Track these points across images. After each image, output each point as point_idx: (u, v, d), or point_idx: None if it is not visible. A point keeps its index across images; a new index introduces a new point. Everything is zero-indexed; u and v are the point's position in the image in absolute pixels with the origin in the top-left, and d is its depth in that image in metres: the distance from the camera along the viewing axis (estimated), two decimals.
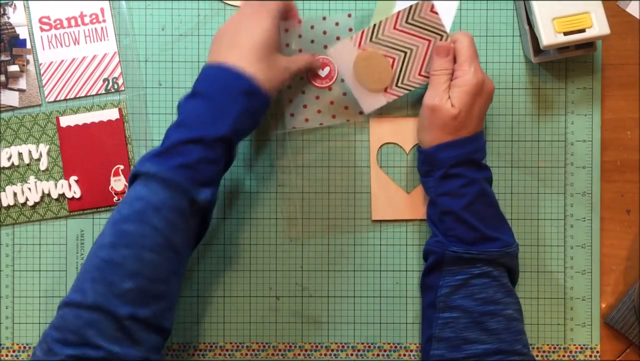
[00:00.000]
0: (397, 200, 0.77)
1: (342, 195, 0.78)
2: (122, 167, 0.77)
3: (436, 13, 0.70)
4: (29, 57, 0.77)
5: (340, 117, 0.77)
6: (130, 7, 0.78)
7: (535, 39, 0.74)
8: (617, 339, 0.78)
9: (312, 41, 0.75)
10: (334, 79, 0.76)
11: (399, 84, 0.74)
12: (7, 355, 0.77)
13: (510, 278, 0.69)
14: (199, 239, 0.67)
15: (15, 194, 0.77)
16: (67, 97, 0.77)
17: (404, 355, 0.77)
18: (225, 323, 0.78)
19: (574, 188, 0.78)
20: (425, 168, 0.71)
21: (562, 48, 0.73)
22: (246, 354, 0.77)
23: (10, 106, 0.77)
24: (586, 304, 0.78)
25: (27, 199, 0.77)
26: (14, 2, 0.77)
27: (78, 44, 0.77)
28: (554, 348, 0.77)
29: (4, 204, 0.77)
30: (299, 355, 0.77)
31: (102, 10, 0.77)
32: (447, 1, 0.71)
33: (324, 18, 0.76)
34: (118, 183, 0.77)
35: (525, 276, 0.77)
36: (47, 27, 0.77)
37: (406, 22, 0.71)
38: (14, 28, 0.77)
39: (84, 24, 0.77)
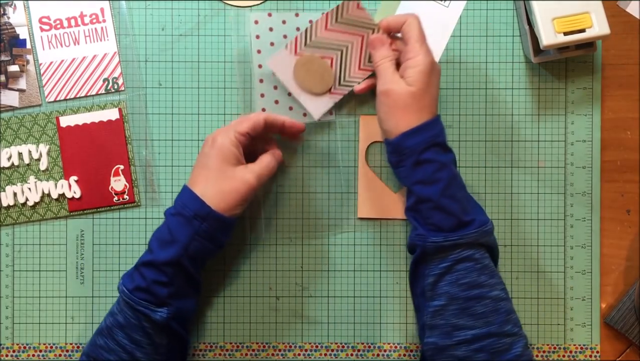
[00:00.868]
0: (383, 198, 0.77)
1: (342, 195, 0.78)
2: (122, 167, 0.77)
3: (363, 9, 0.72)
4: (29, 57, 0.77)
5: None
6: (130, 7, 0.78)
7: (535, 39, 0.74)
8: (617, 339, 0.78)
9: (285, 36, 0.76)
10: None
11: (342, 82, 0.75)
12: (7, 355, 0.77)
13: (491, 257, 0.69)
14: (182, 347, 0.71)
15: (15, 194, 0.77)
16: (67, 97, 0.77)
17: (404, 355, 0.77)
18: (225, 323, 0.78)
19: (574, 188, 0.78)
20: (396, 159, 0.70)
21: (562, 48, 0.73)
22: (246, 354, 0.77)
23: (10, 106, 0.77)
24: (586, 304, 0.78)
25: (27, 199, 0.77)
26: (14, 2, 0.77)
27: (78, 44, 0.77)
28: (554, 348, 0.77)
29: (4, 204, 0.77)
30: (299, 355, 0.77)
31: (102, 10, 0.77)
32: (456, 1, 0.71)
33: (297, 14, 0.76)
34: (118, 183, 0.77)
35: (525, 277, 0.77)
36: (47, 27, 0.77)
37: (336, 21, 0.73)
38: (14, 28, 0.77)
39: (84, 24, 0.77)
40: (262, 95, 0.76)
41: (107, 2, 0.77)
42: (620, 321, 0.76)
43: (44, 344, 0.77)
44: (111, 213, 0.77)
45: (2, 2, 0.77)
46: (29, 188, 0.77)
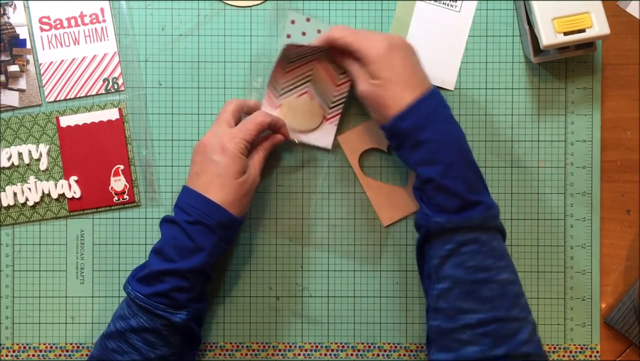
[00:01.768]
0: (396, 198, 0.77)
1: (342, 195, 0.78)
2: (122, 167, 0.77)
3: (300, 45, 0.71)
4: (29, 57, 0.77)
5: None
6: (130, 7, 0.78)
7: (535, 39, 0.74)
8: (617, 339, 0.78)
9: (288, 36, 0.76)
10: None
11: (331, 105, 0.76)
12: (7, 355, 0.77)
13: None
14: (193, 344, 0.72)
15: (15, 194, 0.77)
16: (67, 97, 0.77)
17: (404, 355, 0.77)
18: (225, 323, 0.78)
19: (574, 188, 0.78)
20: (395, 143, 0.69)
21: (562, 48, 0.73)
22: (246, 354, 0.77)
23: (10, 106, 0.77)
24: (586, 304, 0.78)
25: (27, 199, 0.77)
26: (14, 2, 0.77)
27: (78, 44, 0.77)
28: (554, 348, 0.77)
29: (4, 204, 0.77)
30: (299, 355, 0.77)
31: (102, 10, 0.77)
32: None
33: (308, 19, 0.76)
34: (118, 183, 0.77)
35: (525, 276, 0.77)
36: (47, 27, 0.77)
37: (289, 63, 0.74)
38: (14, 28, 0.77)
39: (84, 24, 0.77)
40: None
41: (107, 2, 0.77)
42: (620, 321, 0.76)
43: (44, 344, 0.77)
44: (111, 213, 0.77)
45: (2, 2, 0.77)
46: (29, 188, 0.77)
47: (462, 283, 0.64)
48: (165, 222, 0.69)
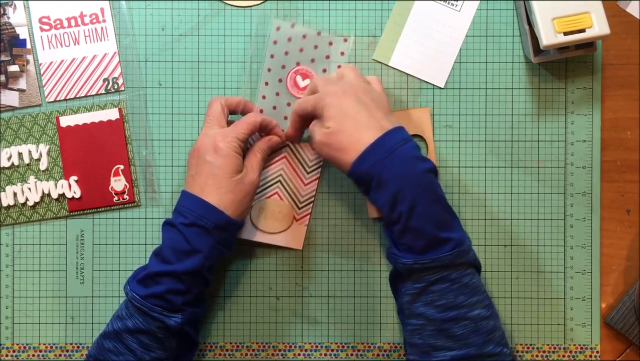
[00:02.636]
0: None
1: (342, 195, 0.78)
2: (122, 167, 0.77)
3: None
4: (29, 57, 0.77)
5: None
6: (130, 7, 0.78)
7: (535, 39, 0.74)
8: (617, 339, 0.78)
9: (301, 50, 0.76)
10: None
11: (300, 205, 0.76)
12: (7, 355, 0.77)
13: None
14: (189, 347, 0.72)
15: (15, 194, 0.77)
16: (67, 97, 0.77)
17: (404, 355, 0.77)
18: (225, 323, 0.78)
19: (574, 188, 0.78)
20: (363, 188, 0.67)
21: (562, 48, 0.73)
22: (246, 354, 0.77)
23: (10, 106, 0.77)
24: (586, 304, 0.78)
25: (27, 199, 0.77)
26: (14, 2, 0.77)
27: (78, 44, 0.77)
28: (554, 348, 0.77)
29: (4, 204, 0.77)
30: (299, 355, 0.77)
31: (102, 10, 0.77)
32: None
33: (319, 33, 0.76)
34: (118, 183, 0.77)
35: (525, 277, 0.77)
36: (47, 27, 0.77)
37: None
38: (14, 28, 0.77)
39: (84, 24, 0.77)
40: (264, 97, 0.76)
41: (107, 2, 0.77)
42: (620, 321, 0.76)
43: (44, 344, 0.77)
44: (111, 213, 0.77)
45: (2, 2, 0.77)
46: (29, 188, 0.77)
47: (433, 321, 0.64)
48: (165, 224, 0.69)
